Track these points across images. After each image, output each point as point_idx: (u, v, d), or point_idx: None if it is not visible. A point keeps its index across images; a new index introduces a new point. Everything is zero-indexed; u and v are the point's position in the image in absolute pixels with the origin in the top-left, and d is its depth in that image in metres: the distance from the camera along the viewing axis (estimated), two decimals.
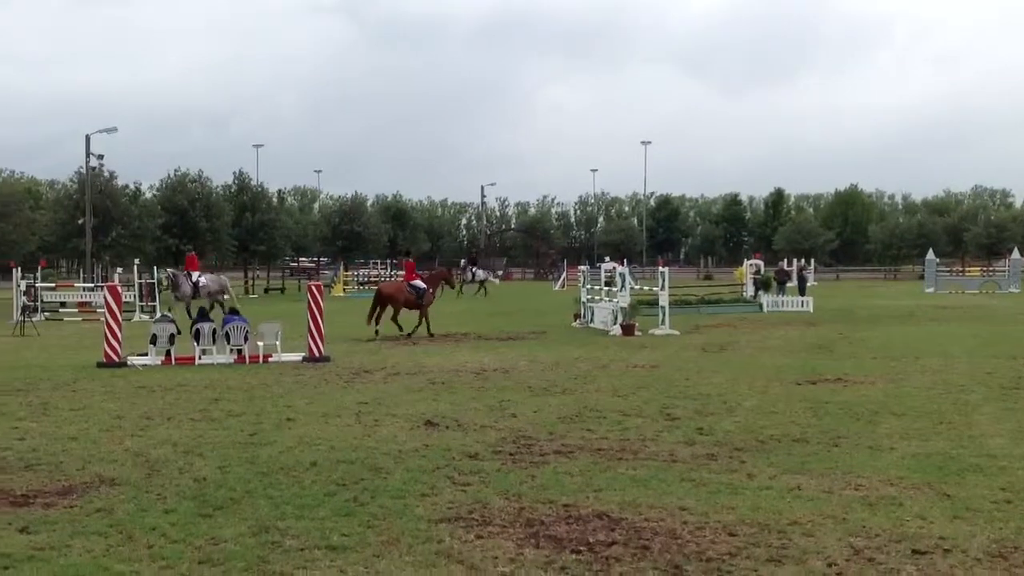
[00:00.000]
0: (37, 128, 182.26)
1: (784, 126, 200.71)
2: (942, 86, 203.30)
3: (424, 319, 26.25)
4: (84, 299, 40.46)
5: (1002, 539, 7.14)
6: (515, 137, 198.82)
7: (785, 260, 57.46)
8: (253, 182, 70.23)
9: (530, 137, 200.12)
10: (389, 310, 25.98)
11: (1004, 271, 57.58)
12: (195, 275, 29.62)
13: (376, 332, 25.06)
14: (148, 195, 60.20)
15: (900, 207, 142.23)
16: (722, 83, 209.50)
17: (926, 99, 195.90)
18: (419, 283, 26.71)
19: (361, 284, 62.48)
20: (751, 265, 43.13)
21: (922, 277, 64.07)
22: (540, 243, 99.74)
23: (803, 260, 61.09)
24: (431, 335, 25.47)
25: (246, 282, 66.61)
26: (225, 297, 28.98)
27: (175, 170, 61.84)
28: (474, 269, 56.84)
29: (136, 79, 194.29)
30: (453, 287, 31.71)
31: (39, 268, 41.96)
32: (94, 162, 51.84)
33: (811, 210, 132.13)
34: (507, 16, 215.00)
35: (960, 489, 8.57)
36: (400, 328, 25.63)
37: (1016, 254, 57.68)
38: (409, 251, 34.40)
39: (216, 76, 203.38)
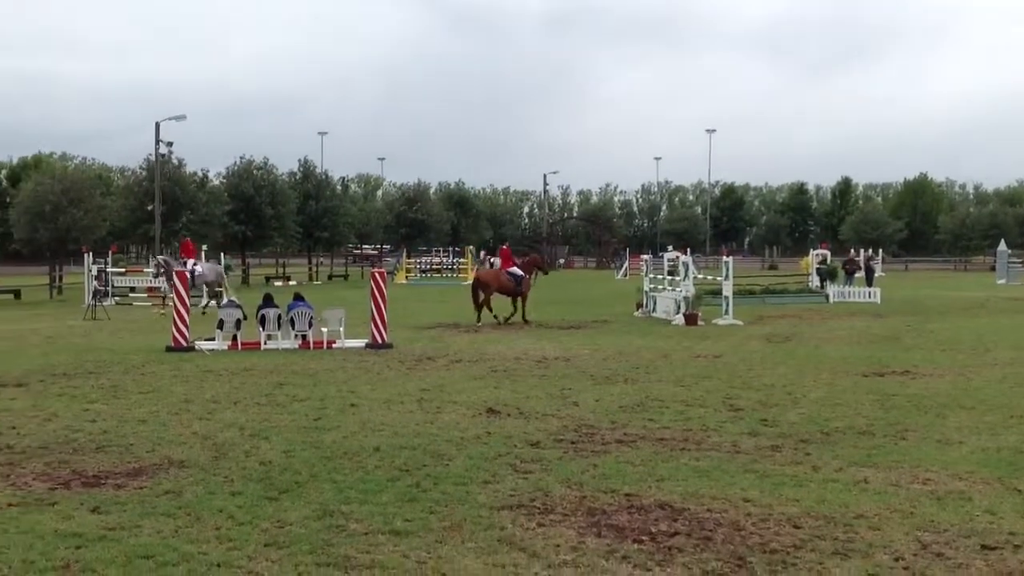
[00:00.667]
0: (112, 115, 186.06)
1: (854, 114, 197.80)
2: (1016, 74, 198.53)
3: (522, 305, 26.72)
4: (153, 284, 41.17)
5: None
6: (580, 125, 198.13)
7: (852, 250, 56.59)
8: (318, 169, 70.84)
9: (595, 125, 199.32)
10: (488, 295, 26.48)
11: None
12: (190, 263, 29.77)
13: (495, 317, 25.85)
14: (215, 182, 60.98)
15: (971, 197, 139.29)
16: (793, 70, 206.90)
17: (999, 87, 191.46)
18: (516, 270, 27.20)
19: (423, 272, 62.91)
20: (817, 255, 42.56)
21: (993, 268, 62.71)
22: (602, 232, 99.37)
23: (870, 250, 60.12)
24: (526, 321, 25.99)
25: (310, 268, 67.33)
26: (218, 289, 29.35)
27: (241, 157, 62.64)
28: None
29: (210, 67, 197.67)
30: (546, 273, 31.67)
31: (110, 253, 42.82)
32: (163, 149, 52.65)
33: (879, 199, 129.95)
34: (577, 5, 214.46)
35: None
36: (491, 311, 26.15)
37: None
38: (505, 239, 34.78)
39: (290, 64, 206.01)
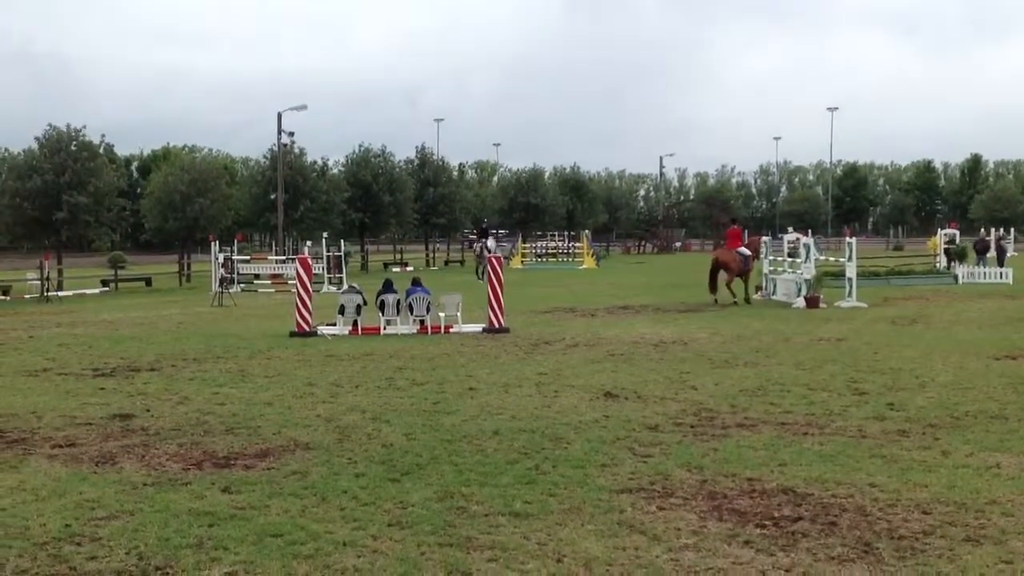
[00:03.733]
0: (239, 107, 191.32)
1: (983, 91, 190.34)
2: None
3: (745, 285, 27.06)
4: (276, 271, 42.31)
5: None
6: (696, 106, 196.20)
7: (983, 229, 54.57)
8: (435, 156, 71.61)
9: (711, 106, 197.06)
10: (722, 275, 26.74)
11: None
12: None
13: (715, 300, 26.07)
14: (335, 170, 62.23)
15: None
16: (918, 47, 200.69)
17: None
18: (745, 250, 27.43)
19: (539, 256, 63.05)
20: (945, 235, 41.17)
21: None
22: (720, 214, 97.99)
23: (1001, 230, 57.85)
24: (747, 301, 26.51)
25: (427, 254, 68.17)
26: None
27: (359, 145, 63.76)
28: (485, 242, 44.81)
29: (333, 58, 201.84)
30: (758, 257, 31.07)
31: (235, 242, 44.14)
32: (285, 139, 53.96)
33: (1011, 177, 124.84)
34: None
35: None
36: (734, 295, 26.51)
37: None
38: (736, 219, 34.72)
39: (409, 53, 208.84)
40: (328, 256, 40.18)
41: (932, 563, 6.01)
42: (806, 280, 25.70)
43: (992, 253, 42.63)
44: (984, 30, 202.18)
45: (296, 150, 56.40)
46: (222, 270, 35.62)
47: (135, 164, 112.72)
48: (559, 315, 23.88)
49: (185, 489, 7.96)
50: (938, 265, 39.23)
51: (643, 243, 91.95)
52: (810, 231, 36.32)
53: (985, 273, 35.55)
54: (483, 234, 47.95)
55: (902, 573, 5.86)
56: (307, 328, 20.09)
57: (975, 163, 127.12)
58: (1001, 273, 35.27)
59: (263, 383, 13.61)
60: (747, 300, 26.71)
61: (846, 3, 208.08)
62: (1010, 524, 6.72)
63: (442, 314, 20.56)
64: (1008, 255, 45.17)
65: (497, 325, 20.04)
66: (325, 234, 44.03)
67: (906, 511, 7.06)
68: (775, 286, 28.53)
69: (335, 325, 20.56)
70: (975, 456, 8.66)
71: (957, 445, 9.09)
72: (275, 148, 54.41)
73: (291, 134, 54.82)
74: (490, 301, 20.29)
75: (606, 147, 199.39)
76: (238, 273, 40.40)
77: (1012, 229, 70.05)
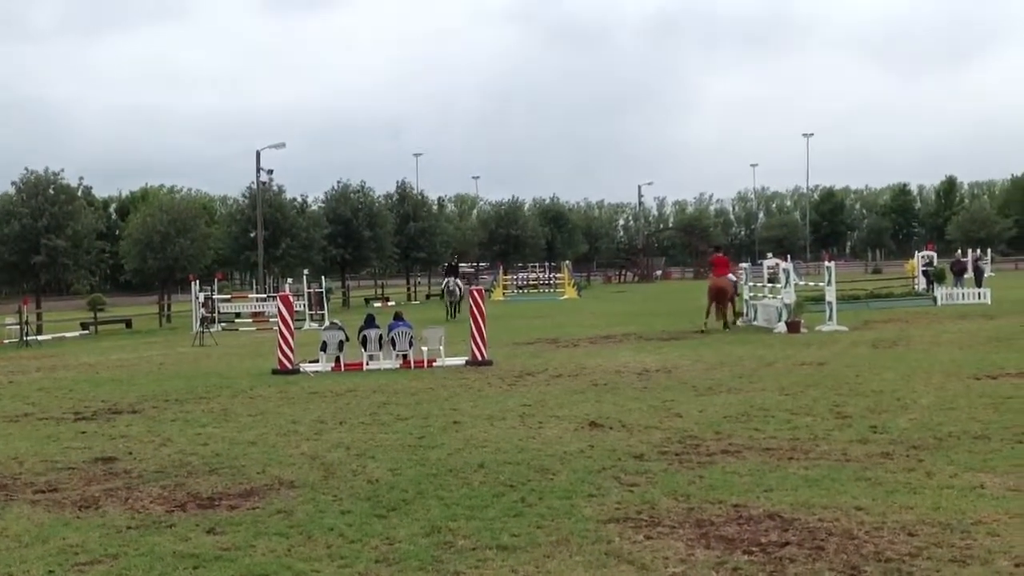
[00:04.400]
0: (216, 146, 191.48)
1: (955, 113, 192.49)
2: None
3: (733, 309, 27.71)
4: (257, 309, 42.18)
5: None
6: (673, 135, 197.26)
7: (960, 250, 54.99)
8: (414, 190, 71.80)
9: (689, 134, 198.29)
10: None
11: None
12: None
13: (704, 325, 26.52)
14: (314, 207, 62.28)
15: None
16: (889, 71, 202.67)
17: None
18: (732, 276, 28.45)
19: (520, 288, 63.11)
20: (923, 257, 41.48)
21: None
22: (699, 241, 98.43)
23: (979, 250, 58.32)
24: (734, 324, 27.35)
25: (408, 288, 68.13)
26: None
27: (338, 181, 63.88)
28: (454, 280, 41.07)
29: (310, 94, 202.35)
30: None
31: (215, 281, 44.03)
32: (264, 177, 54.01)
33: (985, 198, 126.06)
34: (676, 10, 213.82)
35: None
36: (726, 318, 27.10)
37: None
38: (719, 247, 35.34)
39: (388, 87, 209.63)
40: (309, 293, 40.11)
41: None
42: (786, 305, 25.82)
43: (970, 274, 42.95)
44: (956, 53, 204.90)
45: (275, 187, 56.44)
46: (203, 310, 35.52)
47: (113, 206, 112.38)
48: (542, 346, 23.89)
49: (169, 531, 7.89)
50: (917, 287, 39.48)
51: (624, 272, 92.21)
52: (789, 256, 36.50)
53: (963, 294, 35.82)
54: (451, 271, 43.30)
55: None
56: (289, 366, 20.01)
57: (950, 185, 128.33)
58: (979, 293, 35.54)
59: (246, 422, 13.54)
60: (726, 326, 26.98)
61: (820, 28, 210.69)
62: (996, 544, 6.74)
63: (425, 348, 20.53)
64: (986, 275, 45.51)
65: (480, 358, 20.03)
66: (306, 271, 43.96)
67: (892, 533, 7.08)
68: (756, 312, 28.65)
69: (318, 362, 20.50)
70: (959, 477, 8.69)
71: (941, 466, 9.13)
72: (254, 186, 54.45)
73: (270, 171, 54.88)
74: (473, 334, 20.28)
75: (585, 177, 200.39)
76: (219, 312, 40.27)
77: (989, 249, 70.72)
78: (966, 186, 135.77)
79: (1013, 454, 9.52)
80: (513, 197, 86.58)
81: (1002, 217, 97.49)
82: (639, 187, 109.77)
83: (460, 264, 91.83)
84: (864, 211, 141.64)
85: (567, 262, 71.13)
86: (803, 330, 24.85)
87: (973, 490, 8.20)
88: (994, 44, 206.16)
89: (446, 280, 41.70)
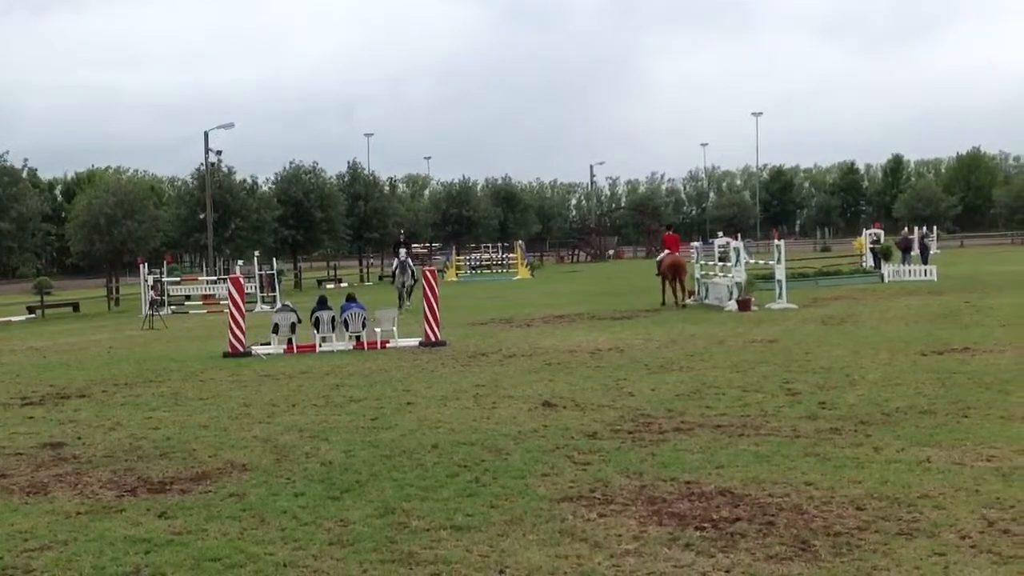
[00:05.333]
0: (168, 127, 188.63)
1: (902, 92, 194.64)
2: None
3: (675, 288, 28.02)
4: (208, 292, 41.76)
5: None
6: (626, 115, 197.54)
7: (907, 228, 55.80)
8: (366, 171, 71.35)
9: (641, 114, 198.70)
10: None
11: None
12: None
13: (683, 303, 27.35)
14: (265, 188, 61.69)
15: None
16: (839, 50, 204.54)
17: None
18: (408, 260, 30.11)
19: (473, 268, 63.06)
20: (870, 235, 42.01)
21: None
22: (651, 221, 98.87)
23: (925, 228, 59.20)
24: (664, 304, 27.83)
25: (361, 270, 67.81)
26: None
27: (290, 162, 63.32)
28: (403, 258, 33.46)
29: (264, 75, 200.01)
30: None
31: (164, 263, 43.48)
32: (213, 158, 53.37)
33: (931, 176, 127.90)
34: None
35: None
36: (669, 297, 27.81)
37: None
38: (671, 225, 35.72)
39: (342, 67, 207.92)
40: (260, 275, 39.75)
41: (867, 558, 6.12)
42: (737, 283, 26.05)
43: (916, 251, 43.59)
44: (906, 33, 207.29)
45: (224, 168, 55.78)
46: (152, 292, 35.07)
47: (59, 188, 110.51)
48: (495, 326, 23.90)
49: (120, 516, 7.81)
50: (864, 265, 40.00)
51: (576, 252, 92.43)
52: (739, 235, 36.83)
53: (910, 271, 36.36)
54: (401, 246, 35.19)
55: (838, 569, 5.96)
56: (241, 348, 19.86)
57: (897, 163, 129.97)
58: (925, 271, 36.10)
59: (197, 406, 13.42)
60: (664, 303, 27.76)
61: (771, 8, 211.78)
62: (942, 517, 6.87)
63: (378, 329, 20.45)
64: (931, 252, 46.23)
65: (434, 339, 20.00)
66: (257, 252, 43.57)
67: (841, 508, 7.19)
68: (707, 290, 28.88)
69: (269, 344, 20.36)
70: (906, 451, 8.85)
71: (888, 441, 9.29)
72: (202, 167, 53.79)
73: (219, 152, 54.22)
74: (426, 315, 20.24)
75: (538, 158, 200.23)
76: (168, 295, 39.81)
77: (935, 227, 71.79)
78: (912, 164, 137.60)
79: (958, 428, 9.71)
80: (464, 177, 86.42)
81: (948, 195, 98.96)
82: (591, 167, 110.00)
83: (413, 244, 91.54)
84: (813, 190, 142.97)
85: (520, 242, 71.17)
86: (754, 308, 25.10)
87: (919, 464, 8.35)
88: (942, 24, 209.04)
89: (395, 260, 33.85)
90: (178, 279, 43.27)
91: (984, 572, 5.79)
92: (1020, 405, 10.72)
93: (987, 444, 8.93)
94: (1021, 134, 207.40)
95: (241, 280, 22.20)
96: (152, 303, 32.48)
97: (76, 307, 43.84)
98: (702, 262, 30.18)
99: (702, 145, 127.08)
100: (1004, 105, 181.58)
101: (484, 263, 65.45)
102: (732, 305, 25.52)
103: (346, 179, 68.57)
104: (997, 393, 11.51)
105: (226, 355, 19.66)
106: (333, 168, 75.27)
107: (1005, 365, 13.63)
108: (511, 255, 64.52)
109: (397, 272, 33.07)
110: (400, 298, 32.34)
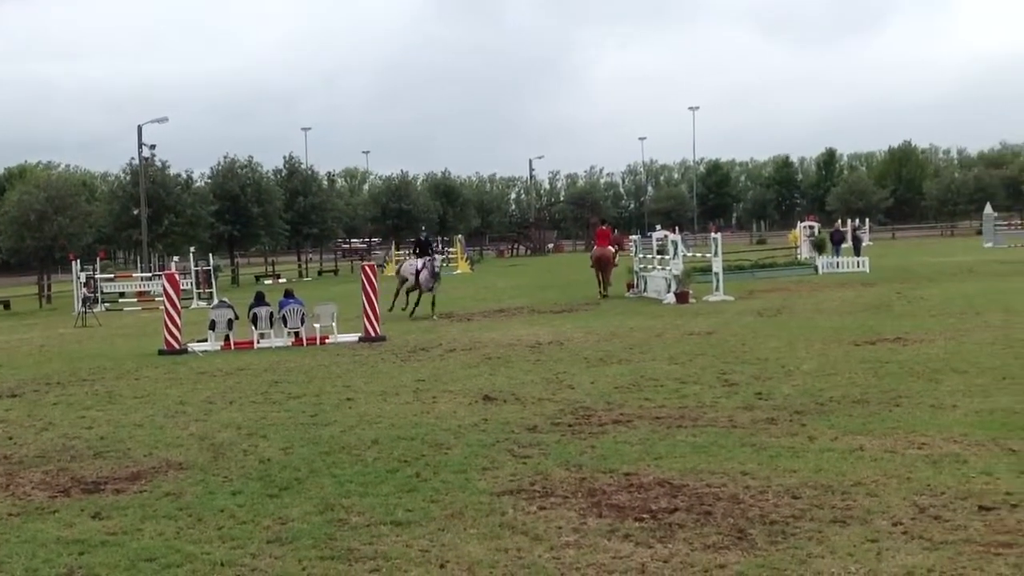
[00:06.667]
0: (101, 121, 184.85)
1: (840, 85, 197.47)
2: (997, 40, 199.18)
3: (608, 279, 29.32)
4: (142, 289, 41.12)
5: None
6: (565, 109, 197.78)
7: (839, 220, 56.72)
8: (304, 165, 70.73)
9: (583, 109, 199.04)
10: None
11: None
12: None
13: (603, 294, 28.52)
14: (200, 183, 60.86)
15: (956, 162, 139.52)
16: (775, 46, 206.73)
17: (978, 53, 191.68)
18: (611, 248, 29.83)
19: None
20: (805, 227, 42.65)
21: (980, 232, 62.93)
22: (590, 214, 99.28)
23: (857, 220, 60.23)
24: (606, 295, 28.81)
25: (299, 265, 67.23)
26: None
27: (225, 156, 62.54)
28: (427, 261, 25.88)
29: (202, 68, 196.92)
30: (625, 251, 32.83)
31: (98, 260, 42.73)
32: (146, 152, 52.53)
33: (864, 169, 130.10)
34: None
35: None
36: (609, 286, 29.00)
37: None
38: (605, 219, 36.30)
39: (280, 61, 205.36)
40: (197, 271, 39.24)
41: (802, 545, 6.22)
42: (675, 276, 26.29)
43: (848, 243, 44.34)
44: (840, 30, 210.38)
45: (158, 163, 54.94)
46: (84, 289, 34.43)
47: None
48: (435, 321, 23.85)
49: (53, 517, 7.67)
50: (799, 257, 40.59)
51: (516, 245, 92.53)
52: (677, 228, 37.20)
53: (843, 262, 36.99)
54: (423, 248, 27.72)
55: (774, 557, 6.05)
56: (177, 346, 19.58)
57: (830, 156, 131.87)
58: (858, 262, 36.75)
59: (132, 404, 13.21)
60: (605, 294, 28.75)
61: (711, 4, 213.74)
62: (874, 504, 7.01)
63: (317, 325, 20.30)
64: (864, 244, 47.05)
65: (373, 334, 19.91)
66: (193, 248, 43.00)
67: (776, 496, 7.30)
68: (646, 283, 29.11)
69: (206, 341, 20.11)
70: (840, 440, 9.00)
71: (822, 430, 9.44)
72: (135, 162, 52.94)
73: (152, 147, 53.38)
74: (365, 310, 20.14)
75: (478, 152, 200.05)
76: (102, 292, 39.12)
77: (867, 219, 73.06)
78: (845, 158, 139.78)
79: (890, 417, 9.90)
80: (403, 172, 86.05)
81: (879, 187, 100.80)
82: (530, 161, 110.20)
83: (353, 241, 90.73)
84: (749, 183, 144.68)
85: (460, 236, 71.06)
86: (691, 300, 25.35)
87: (853, 452, 8.50)
88: (875, 22, 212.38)
89: (420, 260, 26.29)
90: (112, 276, 42.54)
91: (915, 558, 5.92)
92: (950, 393, 10.96)
93: (918, 432, 9.12)
94: (951, 128, 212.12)
95: (176, 276, 21.90)
96: (85, 300, 31.90)
97: (7, 305, 42.90)
98: (640, 255, 30.41)
99: (640, 139, 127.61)
100: (935, 100, 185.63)
101: None
102: (670, 298, 25.75)
103: (284, 174, 67.91)
104: (928, 382, 11.76)
105: (162, 353, 19.37)
106: (272, 163, 74.34)
107: (935, 354, 13.93)
108: (451, 249, 64.40)
109: (425, 277, 25.56)
110: (433, 304, 25.56)
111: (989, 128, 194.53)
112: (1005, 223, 62.46)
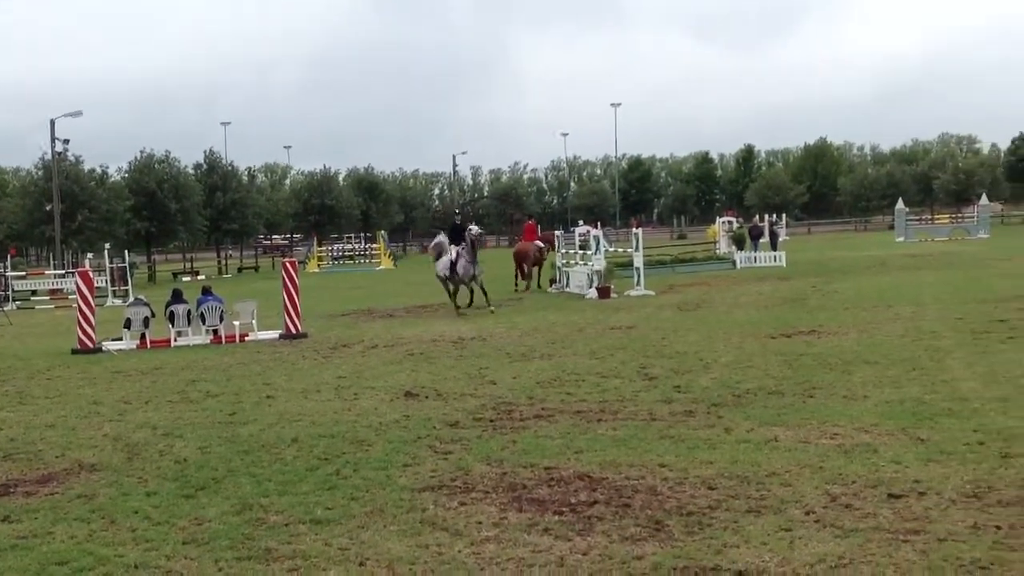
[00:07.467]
0: (19, 117, 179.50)
1: (757, 85, 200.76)
2: (908, 40, 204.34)
3: (539, 274, 29.79)
4: (55, 286, 40.15)
5: (975, 480, 7.25)
6: (493, 107, 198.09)
7: (757, 216, 57.67)
8: (224, 160, 69.68)
9: (509, 106, 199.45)
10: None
11: (973, 217, 58.08)
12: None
13: (527, 287, 29.07)
14: (116, 178, 59.59)
15: (869, 158, 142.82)
16: (704, 43, 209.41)
17: (890, 53, 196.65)
18: (539, 242, 29.98)
19: (336, 259, 62.30)
20: (724, 223, 43.28)
21: (892, 227, 64.57)
22: (514, 210, 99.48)
23: (774, 215, 61.32)
24: (539, 286, 29.54)
25: (219, 262, 66.23)
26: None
27: (141, 151, 61.33)
28: (460, 248, 23.96)
29: (127, 61, 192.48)
30: (553, 248, 32.36)
31: (8, 256, 41.60)
32: (59, 147, 51.28)
33: (781, 165, 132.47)
34: None
35: (934, 433, 8.70)
36: (528, 284, 29.43)
37: (984, 200, 58.25)
38: (531, 215, 36.19)
39: (206, 55, 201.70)
40: (112, 268, 38.42)
41: (718, 535, 6.33)
42: (597, 271, 26.49)
43: (766, 238, 45.12)
44: (759, 29, 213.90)
45: (71, 158, 53.65)
46: None
47: None
48: (357, 317, 23.70)
49: None
50: (718, 252, 41.17)
51: None
52: (599, 223, 37.44)
53: (761, 257, 37.62)
54: (458, 235, 24.68)
55: (690, 547, 6.14)
56: (91, 344, 19.16)
57: (748, 153, 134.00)
58: (775, 256, 37.41)
59: (44, 404, 12.89)
60: (538, 286, 29.24)
61: (637, 4, 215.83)
62: (788, 494, 7.15)
63: (236, 322, 20.03)
64: (781, 239, 47.92)
65: (294, 331, 19.71)
66: (108, 245, 42.07)
67: (693, 488, 7.41)
68: (568, 278, 29.27)
69: (121, 340, 19.71)
70: (755, 431, 9.16)
71: (739, 421, 9.60)
72: (47, 157, 51.63)
73: (66, 141, 52.15)
74: (285, 307, 19.92)
75: (402, 148, 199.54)
76: (12, 290, 38.09)
77: (784, 214, 74.44)
78: (763, 154, 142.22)
79: (804, 408, 10.11)
80: (326, 167, 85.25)
81: (796, 184, 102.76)
82: (453, 157, 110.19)
83: (274, 237, 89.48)
84: (670, 179, 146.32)
85: (383, 232, 70.66)
86: (613, 295, 25.56)
87: (768, 443, 8.66)
88: (793, 23, 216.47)
89: (453, 250, 24.03)
90: (23, 273, 41.43)
91: (827, 545, 6.05)
92: (861, 384, 11.23)
93: (831, 422, 9.33)
94: (865, 126, 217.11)
95: (90, 273, 21.40)
96: None
97: None
98: (563, 250, 30.58)
99: (563, 135, 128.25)
100: (849, 98, 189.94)
101: (346, 254, 64.71)
102: (592, 293, 25.93)
103: (203, 169, 66.83)
104: (840, 373, 12.02)
105: (75, 352, 18.93)
106: (192, 158, 72.92)
107: (848, 346, 14.25)
108: (374, 245, 64.00)
109: (463, 266, 23.42)
110: (484, 294, 23.85)
111: (901, 125, 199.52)
112: (916, 218, 64.05)
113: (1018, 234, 52.50)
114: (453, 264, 23.51)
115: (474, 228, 23.96)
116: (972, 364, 12.20)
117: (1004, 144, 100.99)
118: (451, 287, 24.21)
